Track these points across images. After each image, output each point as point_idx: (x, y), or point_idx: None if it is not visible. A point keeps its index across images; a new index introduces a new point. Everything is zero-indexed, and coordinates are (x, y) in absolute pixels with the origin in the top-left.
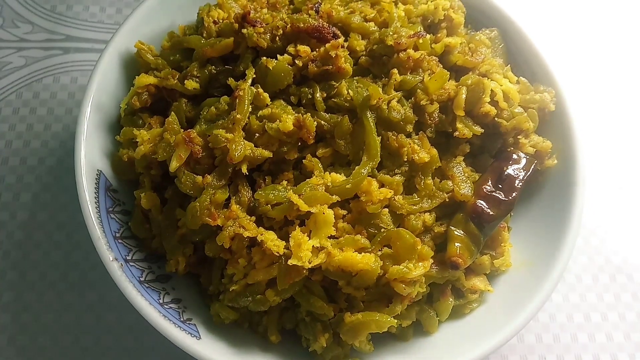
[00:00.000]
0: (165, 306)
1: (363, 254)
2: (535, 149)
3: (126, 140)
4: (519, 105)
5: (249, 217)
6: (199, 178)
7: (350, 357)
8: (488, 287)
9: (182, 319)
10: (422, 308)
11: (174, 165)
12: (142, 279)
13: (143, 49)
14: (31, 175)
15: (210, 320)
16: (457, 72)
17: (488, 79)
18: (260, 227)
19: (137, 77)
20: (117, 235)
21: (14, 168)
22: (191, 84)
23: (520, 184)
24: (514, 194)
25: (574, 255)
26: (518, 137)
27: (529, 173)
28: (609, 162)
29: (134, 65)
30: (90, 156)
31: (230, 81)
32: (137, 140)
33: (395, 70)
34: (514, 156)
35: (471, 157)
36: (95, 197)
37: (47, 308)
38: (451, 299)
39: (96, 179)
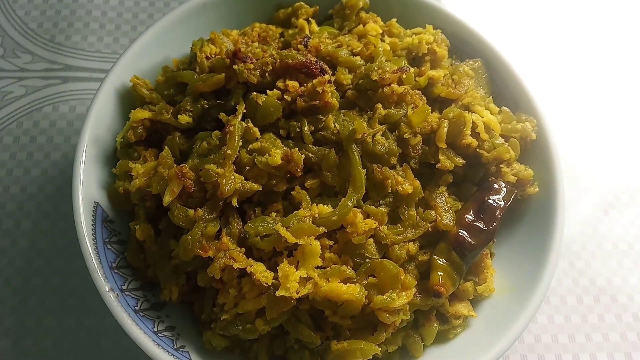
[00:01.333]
0: (160, 334)
1: (348, 284)
2: (517, 177)
3: (122, 172)
4: (501, 135)
5: (239, 249)
6: (191, 211)
7: None
8: (471, 312)
9: (175, 347)
10: (408, 333)
11: (167, 199)
12: (137, 308)
13: (138, 83)
14: (31, 202)
15: (202, 347)
16: (441, 103)
17: (470, 111)
18: (250, 259)
19: (132, 111)
20: (114, 265)
21: (14, 196)
22: (184, 119)
23: (501, 213)
24: (494, 224)
25: (559, 277)
26: (500, 166)
27: (509, 203)
28: (594, 186)
29: (129, 98)
30: (88, 189)
31: (222, 116)
32: (132, 173)
33: (379, 105)
34: (495, 186)
35: (455, 186)
36: (92, 229)
37: (46, 333)
38: (436, 325)
39: (93, 210)
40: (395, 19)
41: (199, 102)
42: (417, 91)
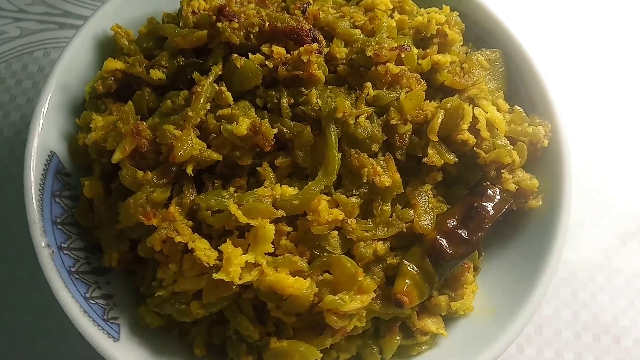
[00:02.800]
0: (91, 300)
1: (297, 277)
2: (518, 187)
3: (85, 124)
4: (508, 137)
5: (186, 222)
6: (140, 173)
7: None
8: (441, 330)
9: (104, 317)
10: (365, 342)
11: (116, 156)
12: (73, 269)
13: (119, 32)
14: (5, 147)
15: (137, 324)
16: (445, 93)
17: (473, 105)
18: (195, 234)
19: (105, 61)
20: (58, 220)
21: None
22: (156, 74)
23: (489, 224)
24: (479, 234)
25: (558, 306)
26: (501, 171)
27: (500, 213)
28: (614, 210)
29: (109, 48)
30: (47, 136)
31: (196, 75)
32: (91, 125)
33: (369, 84)
34: (489, 192)
35: (444, 186)
36: (42, 178)
37: None
38: (398, 337)
39: (47, 159)
40: None
41: (176, 58)
42: (416, 74)
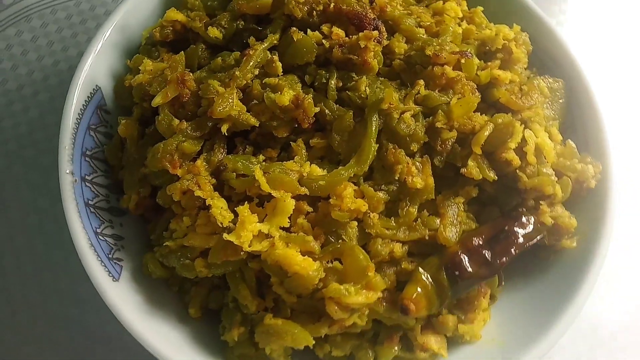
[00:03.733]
0: (100, 236)
1: (306, 257)
2: (555, 222)
3: (135, 67)
4: (555, 169)
5: (209, 179)
6: (176, 121)
7: None
8: (442, 351)
9: (109, 255)
10: (362, 344)
11: (157, 100)
12: (90, 202)
13: None
14: (55, 78)
15: (140, 271)
16: (498, 110)
17: (525, 127)
18: (216, 192)
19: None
20: (88, 152)
21: (19, 77)
22: (214, 32)
23: (516, 251)
24: (504, 259)
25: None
26: (540, 202)
27: (530, 243)
28: None
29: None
30: (96, 70)
31: (251, 40)
32: (140, 67)
33: (422, 82)
34: (523, 219)
35: (478, 204)
36: (81, 109)
37: None
38: (396, 348)
39: (91, 93)
40: (482, 9)
41: (237, 21)
42: (472, 83)
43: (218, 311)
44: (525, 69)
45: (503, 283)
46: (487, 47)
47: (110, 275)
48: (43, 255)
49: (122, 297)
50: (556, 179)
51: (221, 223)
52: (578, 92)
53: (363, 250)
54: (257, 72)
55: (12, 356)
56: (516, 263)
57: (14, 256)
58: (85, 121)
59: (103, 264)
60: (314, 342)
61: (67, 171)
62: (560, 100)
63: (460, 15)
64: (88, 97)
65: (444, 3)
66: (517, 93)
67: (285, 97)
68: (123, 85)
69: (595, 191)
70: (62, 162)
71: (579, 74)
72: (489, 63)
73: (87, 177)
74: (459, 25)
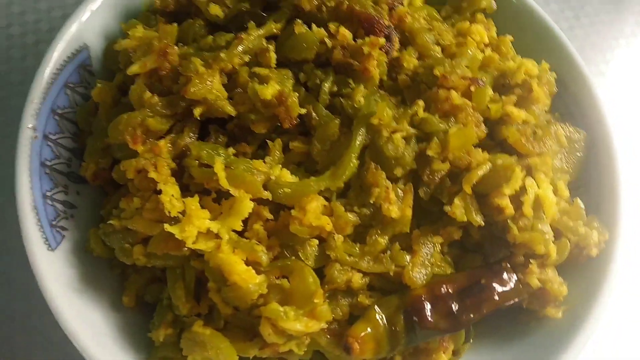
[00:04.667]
0: (49, 200)
1: (250, 268)
2: (542, 286)
3: (127, 31)
4: (554, 227)
5: (169, 162)
6: (148, 94)
7: None
8: None
9: (53, 222)
10: None
11: (133, 68)
12: (48, 163)
13: None
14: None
15: (83, 245)
16: (504, 150)
17: (528, 174)
18: (172, 178)
19: None
20: (59, 110)
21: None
22: (215, 10)
23: (488, 310)
24: (471, 316)
25: None
26: (531, 260)
27: (506, 303)
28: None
29: None
30: (87, 29)
31: (251, 24)
32: (129, 32)
33: (421, 103)
34: (504, 275)
35: (460, 249)
36: (62, 65)
37: None
38: None
39: (77, 50)
40: (512, 38)
41: (242, 3)
42: (479, 115)
43: (154, 306)
44: (545, 111)
45: (471, 340)
46: (507, 80)
47: (47, 242)
48: None
49: (51, 267)
50: (553, 238)
51: (169, 212)
52: (600, 150)
53: (314, 273)
54: (248, 59)
55: None
56: (491, 320)
57: None
58: (63, 78)
59: (42, 230)
60: None
61: (30, 125)
62: (578, 154)
63: (486, 41)
64: (73, 53)
65: (470, 24)
66: (529, 135)
67: (269, 90)
68: (112, 49)
69: (595, 261)
70: (25, 116)
71: (604, 130)
72: (504, 97)
73: (51, 135)
74: (482, 51)
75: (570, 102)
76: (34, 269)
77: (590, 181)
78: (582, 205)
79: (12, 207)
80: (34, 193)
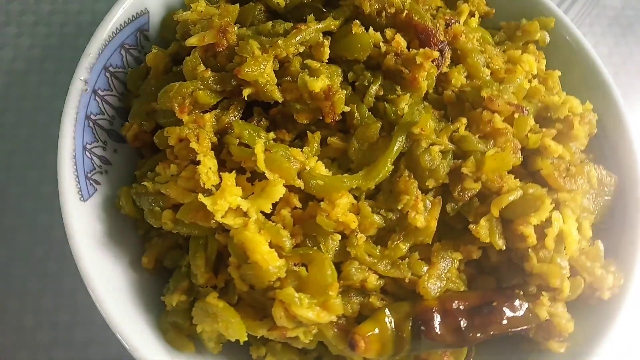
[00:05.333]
0: (87, 152)
1: (272, 250)
2: (550, 319)
3: (189, 4)
4: (571, 263)
5: (211, 136)
6: (202, 67)
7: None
8: None
9: (88, 174)
10: None
11: (192, 40)
12: (93, 116)
13: None
14: None
15: (113, 201)
16: (535, 181)
17: (556, 208)
18: (212, 152)
19: None
20: (111, 69)
21: None
22: None
23: (495, 332)
24: (478, 335)
25: None
26: (543, 292)
27: (514, 330)
28: None
29: None
30: None
31: (310, 17)
32: (192, 5)
33: (464, 121)
34: (516, 302)
35: (476, 269)
36: (121, 26)
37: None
38: None
39: (138, 13)
40: (559, 73)
41: None
42: (517, 142)
43: (170, 270)
44: (581, 150)
45: (472, 359)
46: (549, 114)
47: (80, 192)
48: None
49: (80, 217)
50: (569, 274)
51: (204, 183)
52: (627, 198)
53: (333, 267)
54: (302, 49)
55: None
56: (494, 343)
57: None
58: (121, 38)
59: (77, 179)
60: (246, 338)
61: (82, 78)
62: (606, 197)
63: (535, 72)
64: (133, 16)
65: (522, 53)
66: (562, 171)
67: (319, 84)
68: (172, 18)
69: (606, 304)
70: (80, 68)
71: (636, 180)
72: (544, 130)
73: (100, 91)
74: (529, 81)
75: (607, 146)
76: (64, 216)
77: (613, 226)
78: (602, 248)
79: (52, 154)
80: (76, 143)
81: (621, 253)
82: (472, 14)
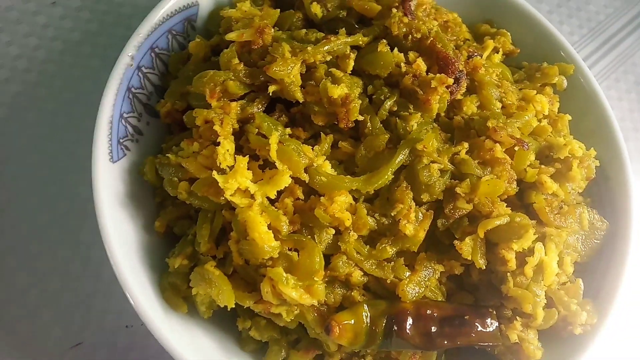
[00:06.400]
0: (123, 120)
1: (270, 231)
2: (519, 343)
3: (236, 3)
4: (549, 295)
5: (234, 122)
6: (236, 60)
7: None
8: None
9: (121, 140)
10: (280, 340)
11: (231, 36)
12: (133, 90)
13: None
14: None
15: (138, 168)
16: (527, 213)
17: (540, 240)
18: (232, 136)
19: None
20: (157, 50)
21: None
22: (316, 9)
23: (460, 343)
24: (444, 342)
25: None
26: (517, 317)
27: (479, 344)
28: None
29: None
30: None
31: (342, 31)
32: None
33: (466, 145)
34: (487, 320)
35: (455, 284)
36: (172, 12)
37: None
38: None
39: (189, 4)
40: (570, 118)
41: (341, 10)
42: (514, 174)
43: (179, 237)
44: (579, 193)
45: None
46: (551, 153)
47: (110, 154)
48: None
49: (108, 176)
50: (544, 304)
51: (220, 163)
52: (616, 246)
53: (322, 256)
54: (329, 58)
55: None
56: (463, 354)
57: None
58: (170, 24)
59: (110, 142)
60: (233, 306)
61: (130, 54)
62: (596, 241)
63: (546, 112)
64: (185, 6)
65: (537, 94)
66: (554, 207)
67: (338, 91)
68: (218, 14)
69: (577, 339)
70: (129, 44)
71: (626, 232)
72: (543, 166)
73: (143, 68)
74: (539, 120)
75: (605, 194)
76: (93, 172)
77: (597, 268)
78: (582, 287)
79: (90, 120)
80: (115, 110)
81: (601, 295)
82: (496, 50)
